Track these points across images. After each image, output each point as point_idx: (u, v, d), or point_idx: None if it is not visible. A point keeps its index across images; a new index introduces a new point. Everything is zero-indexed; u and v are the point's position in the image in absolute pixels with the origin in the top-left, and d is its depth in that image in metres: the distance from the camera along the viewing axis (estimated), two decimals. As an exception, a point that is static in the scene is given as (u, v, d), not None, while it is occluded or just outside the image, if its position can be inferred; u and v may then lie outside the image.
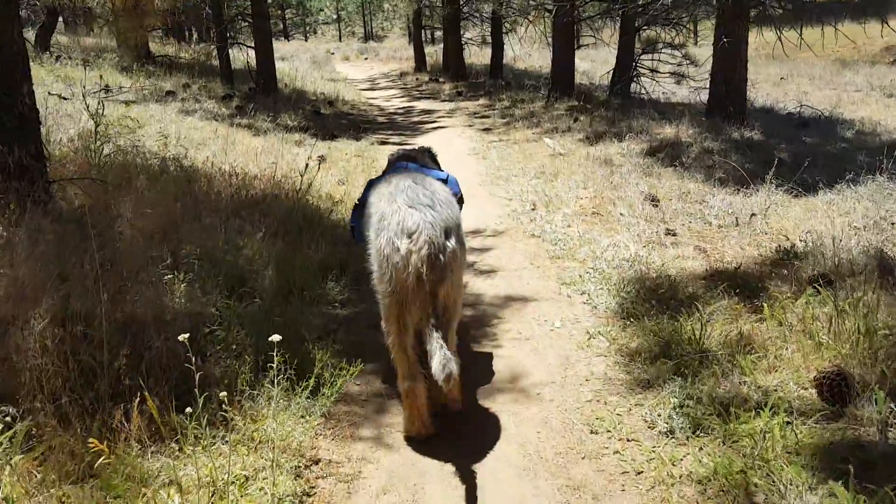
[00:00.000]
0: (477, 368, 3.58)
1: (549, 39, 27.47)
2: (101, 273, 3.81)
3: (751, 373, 3.20)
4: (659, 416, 3.03)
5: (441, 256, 2.76)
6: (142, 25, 5.58)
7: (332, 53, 34.11)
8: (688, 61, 14.21)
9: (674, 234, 5.39)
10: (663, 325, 3.73)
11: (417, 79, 20.99)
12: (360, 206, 3.57)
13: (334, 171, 8.38)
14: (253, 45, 13.97)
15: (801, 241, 4.82)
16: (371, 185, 3.57)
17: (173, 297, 3.92)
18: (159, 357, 3.11)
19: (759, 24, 10.96)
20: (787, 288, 4.12)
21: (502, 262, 5.12)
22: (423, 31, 24.89)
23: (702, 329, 3.47)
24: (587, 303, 4.28)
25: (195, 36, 25.58)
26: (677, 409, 3.01)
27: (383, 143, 10.69)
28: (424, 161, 3.91)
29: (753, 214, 5.58)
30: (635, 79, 13.56)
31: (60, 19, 27.73)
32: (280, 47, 36.13)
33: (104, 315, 2.97)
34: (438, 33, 32.76)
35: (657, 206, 6.12)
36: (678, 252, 5.02)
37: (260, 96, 13.32)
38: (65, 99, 10.76)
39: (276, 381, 2.86)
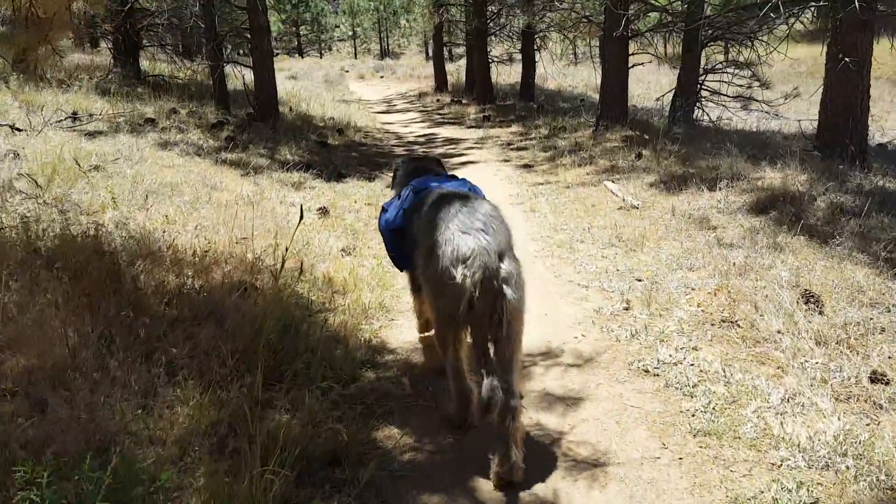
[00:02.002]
0: None
1: (574, 57, 25.48)
2: None
3: None
4: None
5: (495, 281, 2.71)
6: (46, 41, 3.95)
7: (347, 71, 32.39)
8: (758, 83, 12.12)
9: (884, 381, 3.26)
10: None
11: (438, 100, 19.01)
12: (396, 231, 3.47)
13: (338, 231, 6.34)
14: (251, 63, 12.03)
15: None
16: (388, 206, 3.61)
17: None
18: None
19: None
20: None
21: (610, 442, 2.98)
22: (443, 47, 22.94)
23: None
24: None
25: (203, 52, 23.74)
26: None
27: (402, 184, 8.64)
28: (435, 170, 3.82)
29: None
30: (699, 103, 11.46)
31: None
32: (293, 65, 34.51)
33: None
34: (458, 50, 30.86)
35: (822, 312, 3.99)
36: (916, 426, 2.89)
37: (258, 124, 11.36)
38: (18, 130, 8.86)
39: None
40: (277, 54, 44.34)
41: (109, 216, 5.56)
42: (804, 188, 6.62)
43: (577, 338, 3.98)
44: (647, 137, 10.19)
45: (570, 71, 23.76)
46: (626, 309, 4.31)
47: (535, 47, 17.06)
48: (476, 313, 2.70)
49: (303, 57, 45.26)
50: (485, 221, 2.83)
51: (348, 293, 4.69)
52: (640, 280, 4.81)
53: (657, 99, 13.90)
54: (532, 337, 4.04)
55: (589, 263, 5.29)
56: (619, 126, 10.90)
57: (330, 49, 52.53)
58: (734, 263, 4.77)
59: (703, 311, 4.18)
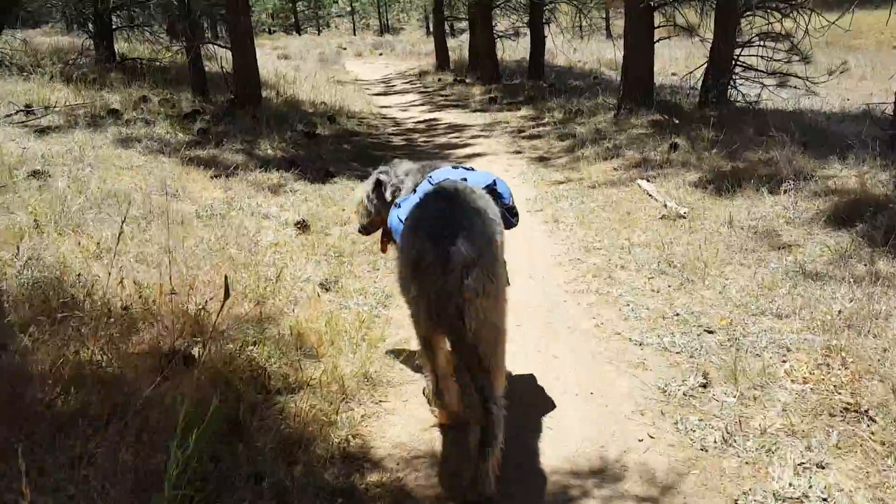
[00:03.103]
0: None
1: (580, 30, 23.93)
2: None
3: None
4: None
5: (452, 297, 2.38)
6: None
7: (344, 49, 30.90)
8: (797, 57, 10.77)
9: None
10: None
11: (440, 79, 17.66)
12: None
13: (319, 254, 5.15)
14: (230, 44, 10.74)
15: None
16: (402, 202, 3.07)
17: None
18: None
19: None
20: None
21: None
22: (444, 22, 21.47)
23: None
24: None
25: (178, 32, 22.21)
26: None
27: (399, 184, 7.42)
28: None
29: None
30: (733, 81, 10.16)
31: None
32: (289, 42, 32.97)
33: None
34: (459, 24, 29.29)
35: None
36: None
37: (237, 112, 10.11)
38: (-46, 127, 7.66)
39: None
40: (274, 31, 42.81)
41: (26, 246, 4.38)
42: (890, 190, 5.39)
43: (642, 440, 2.80)
44: (677, 122, 8.93)
45: (578, 45, 22.29)
46: (704, 386, 3.12)
47: (544, 20, 15.66)
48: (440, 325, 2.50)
49: (300, 34, 43.66)
50: (456, 227, 2.46)
51: (322, 357, 3.52)
52: (711, 332, 3.62)
53: (674, 74, 12.58)
54: (577, 437, 2.87)
55: (637, 302, 4.09)
56: (645, 109, 9.62)
57: (328, 26, 50.88)
58: (839, 311, 3.56)
59: (812, 390, 2.99)
